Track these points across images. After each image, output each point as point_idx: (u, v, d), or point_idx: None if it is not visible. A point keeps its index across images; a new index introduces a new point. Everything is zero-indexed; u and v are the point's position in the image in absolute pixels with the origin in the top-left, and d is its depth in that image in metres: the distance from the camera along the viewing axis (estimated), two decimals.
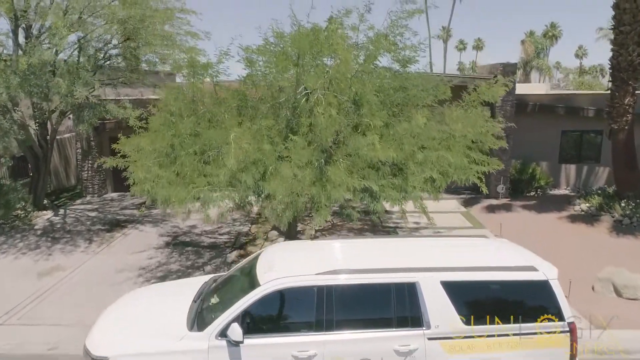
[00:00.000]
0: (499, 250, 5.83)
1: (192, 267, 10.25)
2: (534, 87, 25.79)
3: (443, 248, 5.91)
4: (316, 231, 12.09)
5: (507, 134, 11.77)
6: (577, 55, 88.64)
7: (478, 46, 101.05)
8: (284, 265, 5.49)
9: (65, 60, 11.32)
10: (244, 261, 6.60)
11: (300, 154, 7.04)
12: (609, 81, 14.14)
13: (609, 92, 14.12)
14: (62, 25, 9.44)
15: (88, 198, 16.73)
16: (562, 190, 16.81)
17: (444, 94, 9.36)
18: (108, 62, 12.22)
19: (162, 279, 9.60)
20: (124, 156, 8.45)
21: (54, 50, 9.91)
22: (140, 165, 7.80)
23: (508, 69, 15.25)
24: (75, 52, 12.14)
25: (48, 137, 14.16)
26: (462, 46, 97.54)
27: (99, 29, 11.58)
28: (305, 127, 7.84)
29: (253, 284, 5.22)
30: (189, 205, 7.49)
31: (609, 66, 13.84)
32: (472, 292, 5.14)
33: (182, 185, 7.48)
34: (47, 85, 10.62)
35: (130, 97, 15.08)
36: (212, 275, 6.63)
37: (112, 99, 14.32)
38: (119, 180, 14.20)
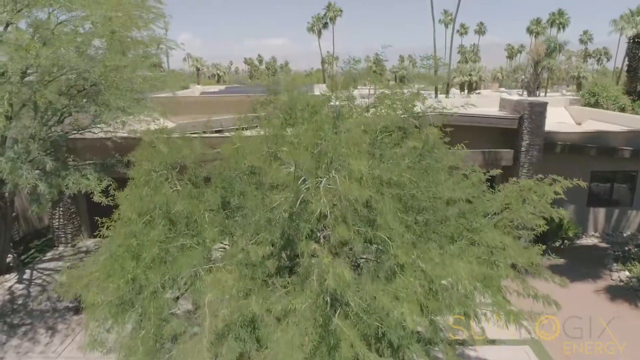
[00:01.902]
0: None
1: None
2: (549, 99, 23.75)
3: None
4: None
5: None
6: (581, 41, 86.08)
7: (480, 30, 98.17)
8: None
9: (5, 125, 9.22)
10: None
11: (301, 319, 5.26)
12: None
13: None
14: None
15: (60, 249, 14.90)
16: (591, 239, 15.07)
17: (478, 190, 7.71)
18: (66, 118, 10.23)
19: None
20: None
21: None
22: (92, 313, 6.02)
23: (536, 109, 13.34)
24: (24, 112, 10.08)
25: (6, 195, 12.24)
26: (463, 30, 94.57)
27: (55, 83, 9.55)
28: (306, 260, 6.04)
29: None
30: None
31: None
32: None
33: (145, 348, 5.72)
34: None
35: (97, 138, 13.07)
36: None
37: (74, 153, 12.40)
38: (95, 226, 12.40)
